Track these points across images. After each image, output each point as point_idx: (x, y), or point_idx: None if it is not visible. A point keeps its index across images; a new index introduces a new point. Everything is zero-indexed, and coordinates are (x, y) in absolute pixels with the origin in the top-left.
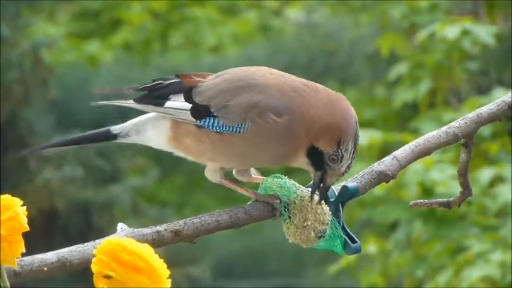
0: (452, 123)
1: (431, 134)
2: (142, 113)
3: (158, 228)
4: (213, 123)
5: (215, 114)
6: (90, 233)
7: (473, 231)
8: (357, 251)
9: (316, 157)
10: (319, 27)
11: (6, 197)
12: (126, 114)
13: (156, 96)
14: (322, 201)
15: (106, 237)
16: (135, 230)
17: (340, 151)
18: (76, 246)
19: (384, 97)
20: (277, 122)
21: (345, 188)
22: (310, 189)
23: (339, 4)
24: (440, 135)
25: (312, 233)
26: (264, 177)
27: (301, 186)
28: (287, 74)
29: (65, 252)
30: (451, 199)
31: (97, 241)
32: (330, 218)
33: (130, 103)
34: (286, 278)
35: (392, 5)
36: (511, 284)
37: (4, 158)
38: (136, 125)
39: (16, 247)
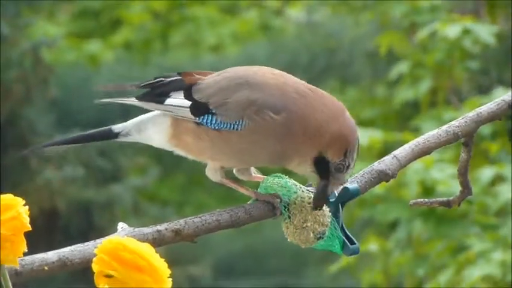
0: (452, 123)
1: (432, 133)
2: (144, 111)
3: (159, 227)
4: (211, 120)
5: (213, 111)
6: (91, 233)
7: (474, 231)
8: (355, 252)
9: (322, 166)
10: (319, 26)
11: (9, 197)
12: (128, 112)
13: (157, 93)
14: None
15: (107, 237)
16: (136, 229)
17: (346, 160)
18: (77, 245)
19: (384, 96)
20: (275, 120)
21: (345, 189)
22: (310, 189)
23: (339, 4)
24: (440, 135)
25: (311, 234)
26: (265, 177)
27: (302, 186)
28: (289, 75)
29: (65, 251)
30: (451, 198)
31: (98, 240)
32: (329, 220)
33: (132, 101)
34: (286, 277)
35: (393, 4)
36: None
37: (4, 157)
38: (137, 123)
39: (18, 247)
